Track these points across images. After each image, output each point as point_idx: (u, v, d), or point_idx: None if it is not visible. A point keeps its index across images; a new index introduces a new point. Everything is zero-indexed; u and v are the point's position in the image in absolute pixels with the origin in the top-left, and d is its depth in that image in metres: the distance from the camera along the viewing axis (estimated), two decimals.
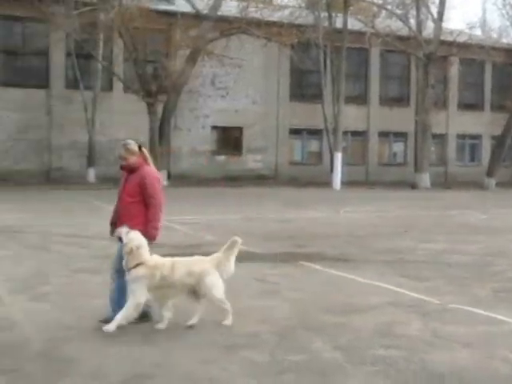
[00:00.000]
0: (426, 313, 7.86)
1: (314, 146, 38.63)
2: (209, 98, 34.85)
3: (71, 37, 30.25)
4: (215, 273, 7.06)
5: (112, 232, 7.40)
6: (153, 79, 30.35)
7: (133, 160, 7.18)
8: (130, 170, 7.22)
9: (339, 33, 33.75)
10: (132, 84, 30.76)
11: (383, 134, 39.85)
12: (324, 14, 35.53)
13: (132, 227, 6.93)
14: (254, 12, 30.55)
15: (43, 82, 32.63)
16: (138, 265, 6.77)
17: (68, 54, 32.27)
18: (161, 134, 30.69)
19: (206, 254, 11.65)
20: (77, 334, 6.71)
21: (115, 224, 7.31)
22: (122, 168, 7.29)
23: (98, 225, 15.73)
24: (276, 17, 31.22)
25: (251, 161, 36.66)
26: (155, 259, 6.94)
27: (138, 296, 6.74)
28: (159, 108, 30.71)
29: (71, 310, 7.75)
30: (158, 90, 30.09)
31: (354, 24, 34.45)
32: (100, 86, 31.96)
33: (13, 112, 31.88)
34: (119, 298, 7.02)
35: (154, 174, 7.29)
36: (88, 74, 32.86)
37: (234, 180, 34.12)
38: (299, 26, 32.14)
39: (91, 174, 31.77)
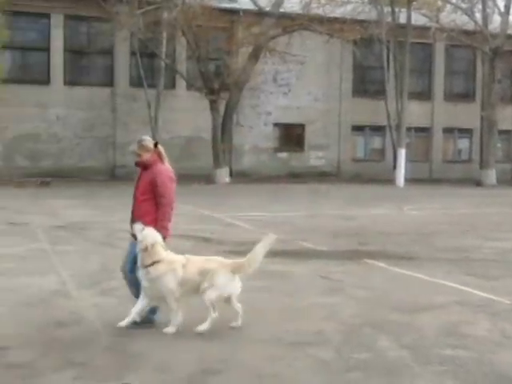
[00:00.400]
0: (495, 313, 7.70)
1: (376, 142, 38.25)
2: (271, 95, 34.84)
3: (135, 36, 30.61)
4: (225, 276, 6.78)
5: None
6: (215, 77, 30.50)
7: (147, 157, 7.05)
8: (144, 166, 7.10)
9: (403, 28, 33.32)
10: (195, 82, 30.97)
11: (448, 131, 39.20)
12: (387, 9, 35.10)
13: (144, 224, 6.81)
14: (316, 8, 30.40)
15: (108, 81, 33.14)
16: (155, 262, 6.63)
17: (132, 53, 32.67)
18: (223, 131, 30.83)
19: (271, 252, 11.70)
20: (143, 329, 6.78)
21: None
22: (136, 164, 7.19)
23: None
24: (338, 13, 30.99)
25: (313, 158, 36.51)
26: (171, 255, 6.83)
27: (170, 292, 6.61)
28: (221, 105, 30.84)
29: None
30: (221, 87, 30.22)
31: (417, 19, 33.95)
32: (163, 84, 32.22)
33: (79, 110, 32.46)
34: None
35: (167, 172, 7.11)
36: (151, 72, 33.21)
37: (296, 177, 34.06)
38: (362, 21, 31.85)
39: None
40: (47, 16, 32.09)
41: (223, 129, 30.82)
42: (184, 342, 6.39)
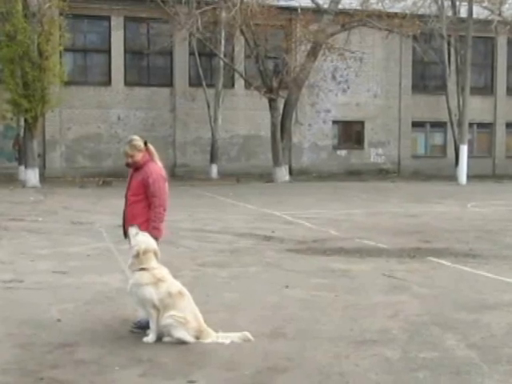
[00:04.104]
0: None
1: (437, 138, 37.72)
2: (330, 92, 34.65)
3: (194, 36, 30.82)
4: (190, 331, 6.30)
5: (124, 234, 6.98)
6: (274, 75, 30.48)
7: (138, 157, 6.89)
8: (136, 167, 6.96)
9: (464, 22, 32.71)
10: (253, 80, 31.00)
11: (511, 126, 38.40)
12: (448, 3, 34.53)
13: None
14: (375, 4, 30.11)
15: (167, 81, 33.48)
16: (142, 269, 6.41)
17: (191, 53, 32.93)
18: (282, 130, 30.79)
19: (332, 250, 11.65)
20: (208, 327, 6.79)
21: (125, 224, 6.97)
22: (127, 165, 7.04)
23: (223, 220, 16.03)
24: (398, 8, 30.61)
25: (373, 155, 36.24)
26: (164, 273, 6.52)
27: (149, 300, 6.32)
28: (280, 103, 30.82)
29: (201, 302, 7.83)
30: (280, 85, 30.20)
31: (479, 12, 33.29)
32: (222, 83, 32.39)
33: (139, 111, 32.90)
34: None
35: (159, 171, 6.93)
36: (210, 71, 33.45)
37: (355, 174, 33.86)
38: (422, 16, 31.42)
39: (214, 169, 32.30)
40: (107, 18, 32.58)
41: (282, 127, 30.79)
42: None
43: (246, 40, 30.55)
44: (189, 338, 6.26)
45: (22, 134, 29.29)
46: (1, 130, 30.82)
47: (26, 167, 27.77)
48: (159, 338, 6.32)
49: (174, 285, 6.50)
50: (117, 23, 32.66)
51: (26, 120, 27.78)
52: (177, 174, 32.51)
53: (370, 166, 35.67)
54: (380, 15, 29.31)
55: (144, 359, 5.82)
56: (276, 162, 30.50)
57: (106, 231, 13.85)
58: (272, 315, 7.31)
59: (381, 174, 34.94)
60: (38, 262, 10.45)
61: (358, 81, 35.27)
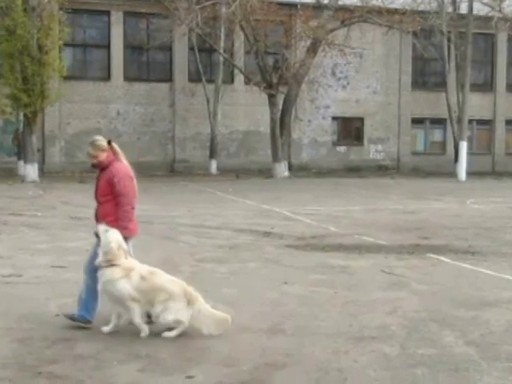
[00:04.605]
0: None
1: (437, 135, 37.73)
2: (329, 88, 34.62)
3: (193, 31, 30.79)
4: (181, 301, 6.37)
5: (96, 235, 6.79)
6: (273, 71, 30.46)
7: (102, 157, 6.78)
8: (101, 167, 6.85)
9: (464, 18, 32.69)
10: (253, 76, 30.98)
11: (511, 123, 38.39)
12: None
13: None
14: (375, 0, 30.07)
15: (167, 76, 33.46)
16: (112, 265, 6.35)
17: (190, 49, 32.91)
18: (281, 126, 30.79)
19: (331, 246, 11.66)
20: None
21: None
22: (93, 166, 6.93)
23: (223, 215, 16.03)
24: (398, 4, 30.59)
25: (372, 151, 36.24)
26: (132, 262, 6.53)
27: (126, 293, 6.30)
28: (280, 99, 30.81)
29: None
30: (279, 81, 30.19)
31: (479, 8, 33.24)
32: (222, 79, 32.40)
33: (138, 106, 32.89)
34: (88, 298, 6.67)
35: (125, 170, 6.82)
36: (210, 67, 33.45)
37: (355, 171, 33.88)
38: (422, 12, 31.39)
39: (213, 165, 32.30)
40: (107, 13, 32.57)
41: (282, 123, 30.79)
42: (248, 336, 6.40)
43: (246, 35, 30.52)
44: (182, 314, 6.29)
45: (21, 128, 29.28)
46: (0, 125, 30.80)
47: (25, 162, 27.75)
48: (158, 333, 6.32)
49: (142, 268, 6.49)
50: (116, 18, 32.64)
51: (25, 115, 27.76)
52: (176, 170, 32.53)
53: (370, 163, 35.68)
54: (380, 11, 29.30)
55: (142, 355, 5.82)
56: (275, 158, 30.50)
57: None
58: (271, 311, 7.31)
59: (380, 170, 34.95)
60: (36, 256, 10.45)
61: (357, 77, 35.26)
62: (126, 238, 6.65)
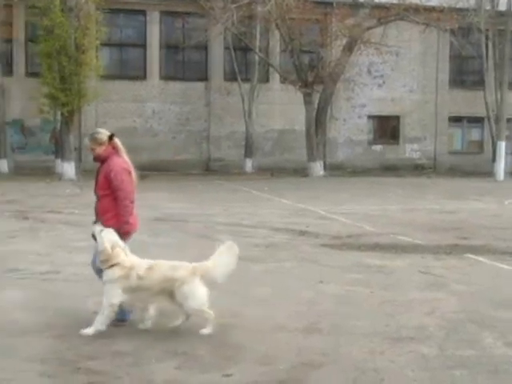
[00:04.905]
0: None
1: (474, 134, 37.28)
2: (365, 86, 34.43)
3: (229, 30, 30.85)
4: (193, 281, 6.42)
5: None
6: (309, 69, 30.40)
7: (100, 150, 6.77)
8: (100, 161, 6.84)
9: (503, 15, 32.30)
10: (289, 75, 30.95)
11: None
12: None
13: (104, 222, 6.61)
14: None
15: (203, 75, 33.56)
16: (113, 265, 6.40)
17: (226, 48, 32.98)
18: (317, 124, 30.71)
19: (367, 245, 11.60)
20: (243, 321, 6.82)
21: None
22: (94, 159, 6.94)
23: (258, 214, 16.03)
24: (435, 1, 30.26)
25: (409, 150, 35.94)
26: (132, 259, 6.52)
27: (110, 297, 6.35)
28: (315, 98, 30.72)
29: (235, 297, 7.88)
30: (315, 80, 30.11)
31: None
32: (257, 78, 32.42)
33: (174, 105, 33.05)
34: None
35: (122, 164, 6.77)
36: (245, 66, 33.48)
37: (390, 170, 33.63)
38: (460, 9, 30.99)
39: (248, 164, 32.34)
40: (143, 13, 32.77)
41: (317, 122, 30.70)
42: (284, 335, 6.39)
43: (282, 34, 30.49)
44: (201, 296, 6.40)
45: (58, 127, 29.62)
46: (38, 124, 31.16)
47: (62, 160, 28.07)
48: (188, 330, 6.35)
49: (140, 266, 6.47)
50: (152, 17, 32.84)
51: (62, 114, 28.07)
52: (211, 168, 32.63)
53: (406, 162, 35.39)
54: (417, 9, 29.01)
55: (179, 352, 5.84)
56: (311, 157, 30.42)
57: (142, 224, 13.91)
58: (307, 310, 7.30)
59: (416, 169, 34.65)
60: (74, 254, 10.54)
61: (393, 75, 35.00)
62: (127, 234, 6.70)
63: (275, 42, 32.55)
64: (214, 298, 7.71)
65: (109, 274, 6.41)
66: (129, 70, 33.08)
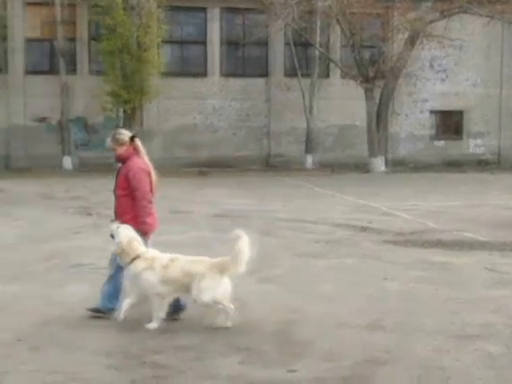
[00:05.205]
0: None
1: None
2: (427, 81, 33.89)
3: (290, 26, 30.78)
4: (213, 277, 6.41)
5: None
6: (370, 64, 30.12)
7: (121, 151, 6.86)
8: (121, 161, 6.94)
9: None
10: (349, 70, 30.72)
11: None
12: None
13: (124, 222, 6.66)
14: None
15: (263, 71, 33.56)
16: (134, 259, 6.45)
17: (286, 43, 32.93)
18: (378, 120, 30.41)
19: (430, 242, 11.43)
20: (306, 317, 6.81)
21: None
22: (115, 160, 7.06)
23: (319, 210, 15.98)
24: None
25: (472, 145, 35.29)
26: (152, 252, 6.61)
27: (151, 287, 6.39)
28: (377, 93, 30.42)
29: (298, 293, 7.89)
30: (376, 75, 29.81)
31: None
32: (317, 73, 32.24)
33: (234, 101, 33.15)
34: (112, 292, 6.73)
35: (141, 165, 6.83)
36: (306, 61, 33.35)
37: (453, 165, 33.05)
38: None
39: (309, 160, 32.24)
40: (204, 10, 32.94)
41: (378, 117, 30.41)
42: (348, 332, 6.36)
43: (342, 29, 30.28)
44: (217, 292, 6.36)
45: (121, 124, 30.04)
46: (101, 121, 31.64)
47: None
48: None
49: (162, 258, 6.54)
50: (213, 14, 32.99)
51: (125, 111, 28.51)
52: (271, 164, 32.62)
53: (469, 157, 34.74)
54: (481, 1, 28.41)
55: (242, 347, 5.87)
56: (372, 153, 30.17)
57: (204, 220, 14.06)
58: (370, 307, 7.25)
59: (480, 165, 33.97)
60: None
61: (456, 69, 34.38)
62: (146, 233, 6.73)
63: (336, 37, 32.33)
64: (275, 294, 7.77)
65: (131, 268, 6.46)
66: (190, 67, 33.29)
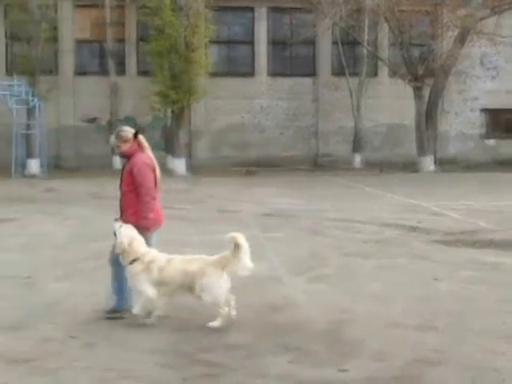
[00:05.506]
0: None
1: None
2: (478, 79, 33.47)
3: (337, 25, 30.67)
4: (214, 274, 6.44)
5: None
6: (419, 62, 29.84)
7: (125, 147, 6.92)
8: (126, 157, 6.99)
9: None
10: (398, 68, 30.50)
11: None
12: None
13: (126, 217, 6.73)
14: None
15: (310, 71, 33.53)
16: (134, 260, 6.50)
17: (334, 42, 32.82)
18: (427, 118, 30.10)
19: (482, 242, 11.26)
20: (355, 317, 6.78)
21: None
22: (120, 156, 7.10)
23: (368, 210, 15.87)
24: None
25: None
26: (152, 253, 6.62)
27: (144, 292, 6.45)
28: (426, 91, 30.12)
29: (347, 292, 7.85)
30: (425, 73, 29.54)
31: None
32: (365, 72, 32.10)
33: (281, 100, 33.18)
34: (118, 285, 6.82)
35: (144, 160, 6.89)
36: (353, 60, 33.20)
37: (505, 165, 32.50)
38: None
39: (357, 159, 32.08)
40: (251, 9, 33.05)
41: (428, 115, 30.10)
42: (398, 332, 6.31)
43: (391, 27, 30.07)
44: (217, 290, 6.37)
45: (169, 124, 30.31)
46: (150, 121, 31.96)
47: (173, 156, 28.72)
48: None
49: (160, 259, 6.57)
50: (260, 14, 33.07)
51: (173, 111, 28.74)
52: (319, 164, 32.55)
53: None
54: None
55: (292, 347, 5.86)
56: (421, 152, 29.88)
57: (252, 219, 14.08)
58: (421, 307, 7.17)
59: None
60: (186, 248, 10.69)
61: (508, 67, 33.83)
62: (146, 229, 6.76)
63: (384, 35, 32.15)
64: (325, 293, 7.75)
65: (130, 269, 6.54)
66: (237, 67, 33.44)
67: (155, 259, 6.55)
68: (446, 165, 31.25)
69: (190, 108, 30.38)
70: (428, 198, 18.14)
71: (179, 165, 28.09)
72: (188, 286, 6.45)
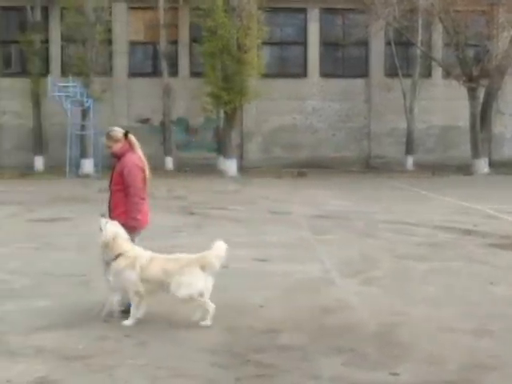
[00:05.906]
0: None
1: None
2: None
3: (390, 25, 30.43)
4: (190, 272, 6.42)
5: None
6: (474, 63, 29.41)
7: (116, 148, 6.94)
8: (116, 157, 7.00)
9: None
10: (452, 69, 30.09)
11: None
12: None
13: (115, 217, 6.75)
14: None
15: (363, 72, 33.33)
16: (117, 256, 6.52)
17: (387, 43, 32.56)
18: (482, 120, 29.64)
19: None
20: (408, 320, 6.71)
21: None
22: (112, 156, 7.08)
23: (421, 212, 15.70)
24: None
25: None
26: (136, 250, 6.63)
27: (131, 286, 6.48)
28: (480, 92, 29.67)
29: (399, 295, 7.78)
30: (480, 74, 29.09)
31: None
32: (419, 73, 31.75)
33: (333, 102, 33.05)
34: None
35: (135, 161, 6.92)
36: (407, 61, 32.89)
37: None
38: None
39: (409, 161, 31.74)
40: (303, 10, 33.00)
41: (482, 117, 29.65)
42: (451, 336, 6.22)
43: (445, 27, 29.69)
44: (194, 286, 6.40)
45: (221, 125, 30.47)
46: (202, 122, 32.18)
47: (225, 157, 28.85)
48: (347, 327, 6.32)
49: (143, 257, 6.58)
50: (312, 15, 33.00)
51: (225, 112, 28.86)
52: (371, 166, 32.33)
53: None
54: None
55: (346, 349, 5.83)
56: (475, 154, 29.43)
57: (304, 221, 14.05)
58: (475, 311, 7.06)
59: None
60: (238, 249, 10.72)
61: None
62: (133, 229, 6.82)
63: (438, 36, 31.78)
64: (377, 296, 7.69)
65: (115, 265, 6.57)
66: (289, 68, 33.45)
67: (138, 256, 6.61)
68: (500, 167, 30.71)
69: (242, 109, 30.48)
70: (482, 201, 17.84)
71: (231, 166, 28.21)
72: (167, 284, 6.48)
